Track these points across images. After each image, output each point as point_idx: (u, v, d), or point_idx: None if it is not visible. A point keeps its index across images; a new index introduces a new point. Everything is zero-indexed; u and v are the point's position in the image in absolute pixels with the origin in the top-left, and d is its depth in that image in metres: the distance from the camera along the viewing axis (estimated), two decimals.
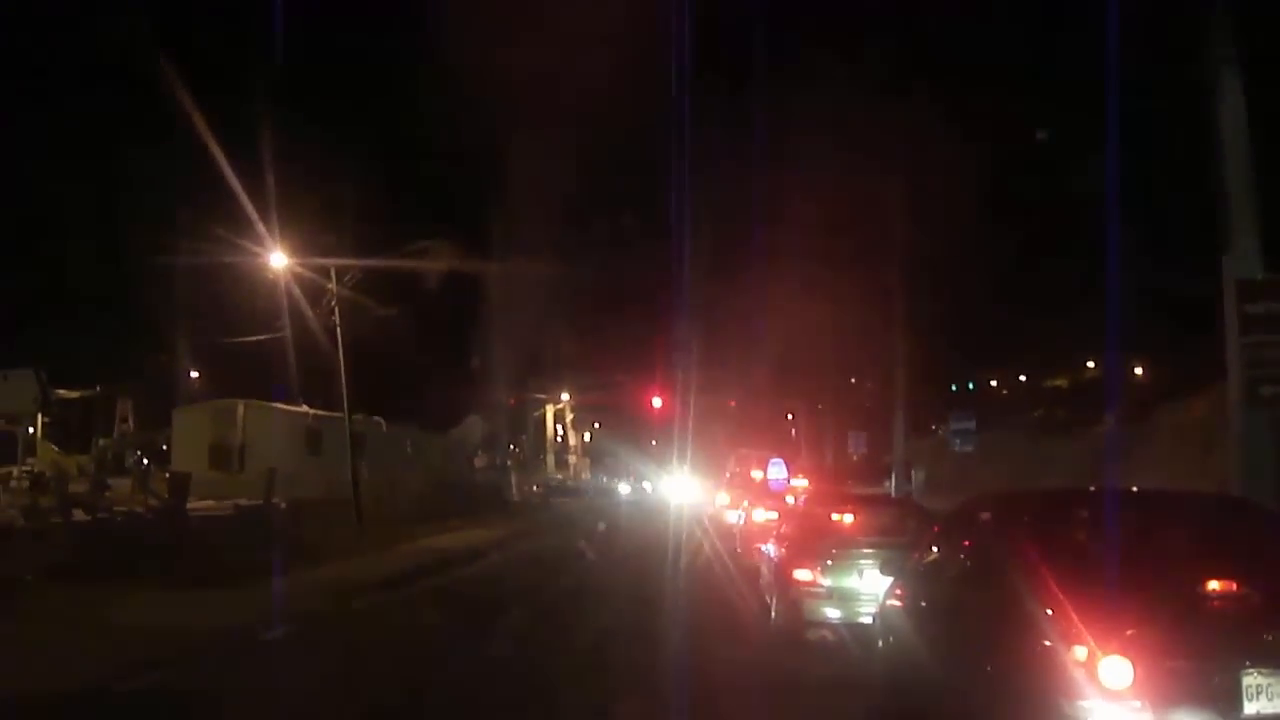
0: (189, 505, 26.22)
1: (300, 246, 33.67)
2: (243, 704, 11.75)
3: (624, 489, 70.25)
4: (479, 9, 39.34)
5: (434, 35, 47.37)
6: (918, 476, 38.61)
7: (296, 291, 34.75)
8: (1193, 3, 14.41)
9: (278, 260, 33.22)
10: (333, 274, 34.91)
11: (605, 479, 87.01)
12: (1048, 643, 7.14)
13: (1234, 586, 7.40)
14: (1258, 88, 14.20)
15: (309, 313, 35.27)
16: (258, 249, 32.57)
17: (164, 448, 55.23)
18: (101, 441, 61.04)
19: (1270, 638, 6.95)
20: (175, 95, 31.20)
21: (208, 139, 29.77)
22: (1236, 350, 13.54)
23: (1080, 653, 6.82)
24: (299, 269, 34.06)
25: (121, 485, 34.87)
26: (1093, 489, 11.32)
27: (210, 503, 31.00)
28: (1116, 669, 6.68)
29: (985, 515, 9.93)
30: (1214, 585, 7.40)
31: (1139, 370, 53.76)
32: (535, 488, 70.41)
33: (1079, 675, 6.80)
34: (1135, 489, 10.97)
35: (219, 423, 45.84)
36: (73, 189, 55.58)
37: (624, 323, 64.13)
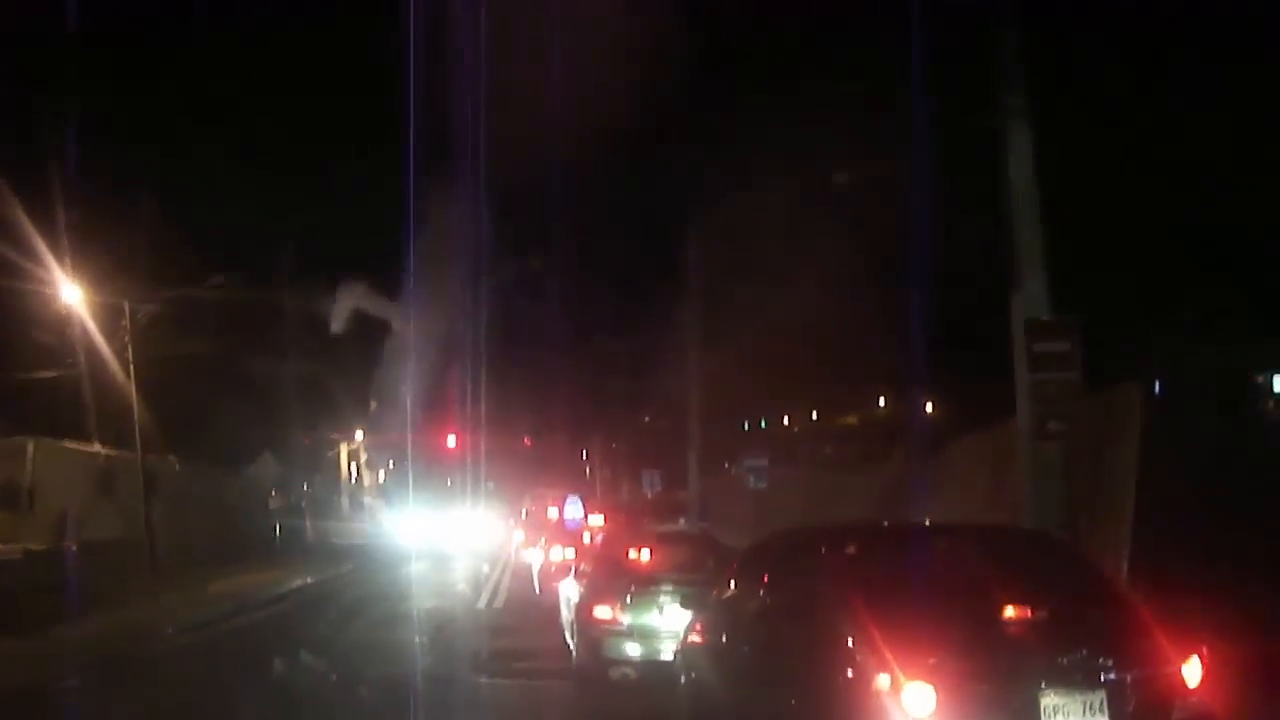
0: None
1: (100, 278, 32.76)
2: None
3: (420, 530, 69.58)
4: None
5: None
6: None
7: (91, 326, 33.79)
8: (985, 54, 14.88)
9: (69, 294, 32.23)
10: (127, 309, 34.10)
11: (400, 519, 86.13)
12: (850, 672, 7.25)
13: (1030, 613, 7.61)
14: (1045, 137, 14.72)
15: (104, 347, 34.36)
16: (48, 280, 31.57)
17: None
18: None
19: (1065, 660, 7.18)
20: None
21: None
22: (1026, 387, 13.94)
23: (883, 680, 6.95)
24: (93, 302, 33.11)
25: None
26: (888, 523, 11.57)
27: None
28: (920, 695, 6.82)
29: (784, 550, 10.06)
30: (1011, 612, 7.60)
31: (929, 407, 55.00)
32: (330, 529, 69.26)
33: (883, 703, 6.92)
34: (930, 522, 11.25)
35: (7, 462, 44.20)
36: None
37: (417, 360, 63.94)
